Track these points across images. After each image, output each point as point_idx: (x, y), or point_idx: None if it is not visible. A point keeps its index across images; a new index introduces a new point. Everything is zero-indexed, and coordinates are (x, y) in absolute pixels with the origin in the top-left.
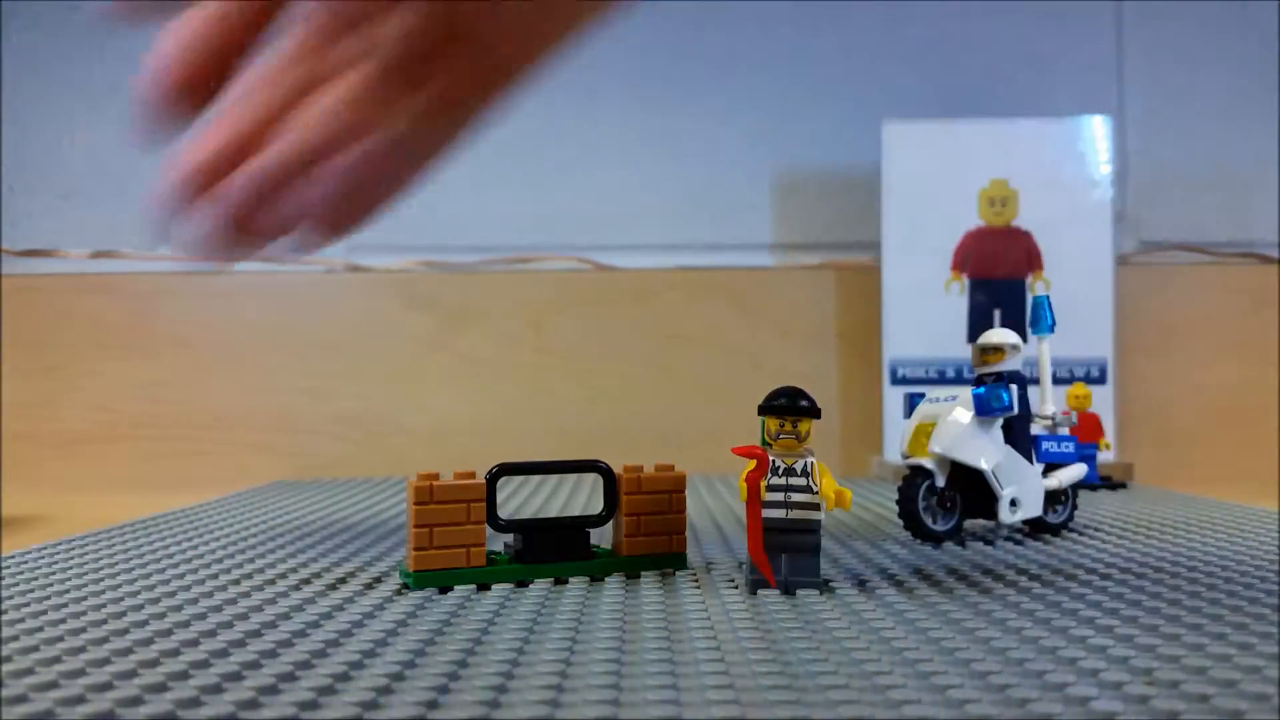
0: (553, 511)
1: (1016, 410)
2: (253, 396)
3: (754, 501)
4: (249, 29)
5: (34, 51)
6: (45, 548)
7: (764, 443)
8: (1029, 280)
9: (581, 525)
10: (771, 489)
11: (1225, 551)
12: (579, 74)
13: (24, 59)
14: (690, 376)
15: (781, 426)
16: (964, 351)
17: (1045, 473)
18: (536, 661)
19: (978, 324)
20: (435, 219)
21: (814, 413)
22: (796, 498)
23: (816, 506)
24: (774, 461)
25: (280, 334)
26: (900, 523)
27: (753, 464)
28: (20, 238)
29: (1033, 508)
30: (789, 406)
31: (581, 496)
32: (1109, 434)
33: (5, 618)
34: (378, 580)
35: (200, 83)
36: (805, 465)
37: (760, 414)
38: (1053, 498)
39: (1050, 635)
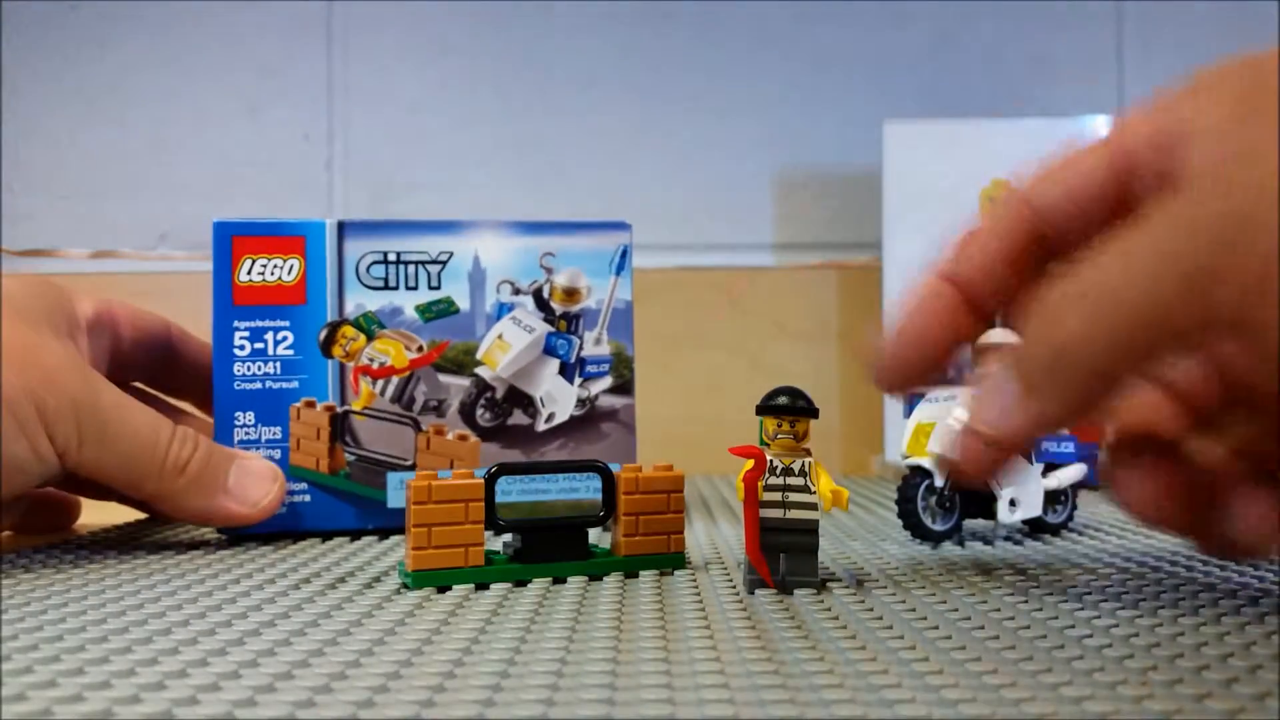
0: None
1: None
2: None
3: (751, 501)
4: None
5: (34, 51)
6: (45, 548)
7: (762, 443)
8: None
9: (580, 525)
10: (769, 489)
11: None
12: (579, 74)
13: (24, 59)
14: (690, 376)
15: (779, 426)
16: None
17: (1045, 473)
18: (533, 661)
19: None
20: None
21: (812, 412)
22: (794, 498)
23: (814, 506)
24: (772, 461)
25: None
26: (899, 523)
27: (750, 464)
28: (20, 238)
29: (1032, 508)
30: (787, 406)
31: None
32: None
33: (5, 617)
34: (377, 580)
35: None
36: (803, 465)
37: (758, 414)
38: (1052, 498)
39: (1048, 635)
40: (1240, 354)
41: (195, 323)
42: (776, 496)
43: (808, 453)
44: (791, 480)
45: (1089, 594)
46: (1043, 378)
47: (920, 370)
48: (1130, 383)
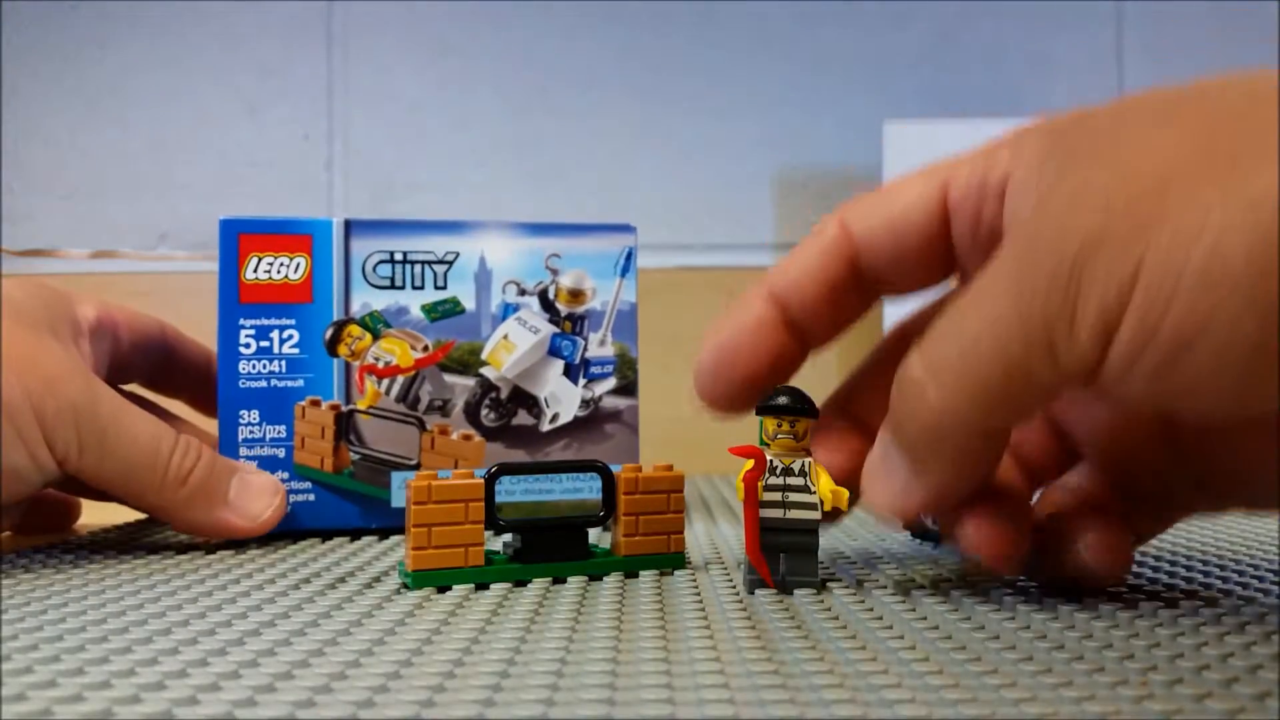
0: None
1: None
2: None
3: (751, 502)
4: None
5: (34, 51)
6: (45, 548)
7: (762, 443)
8: None
9: (580, 525)
10: (769, 489)
11: (1224, 551)
12: (579, 74)
13: (24, 59)
14: (690, 376)
15: (779, 426)
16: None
17: None
18: (533, 661)
19: None
20: None
21: (812, 413)
22: (794, 498)
23: (815, 507)
24: (772, 462)
25: None
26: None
27: (750, 464)
28: (20, 238)
29: None
30: (787, 406)
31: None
32: None
33: (5, 617)
34: (377, 580)
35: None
36: (803, 465)
37: (758, 414)
38: None
39: (1048, 635)
40: (1095, 402)
41: (196, 323)
42: (776, 497)
43: (808, 453)
44: (791, 480)
45: (1089, 594)
46: (925, 453)
47: (738, 390)
48: (1010, 434)
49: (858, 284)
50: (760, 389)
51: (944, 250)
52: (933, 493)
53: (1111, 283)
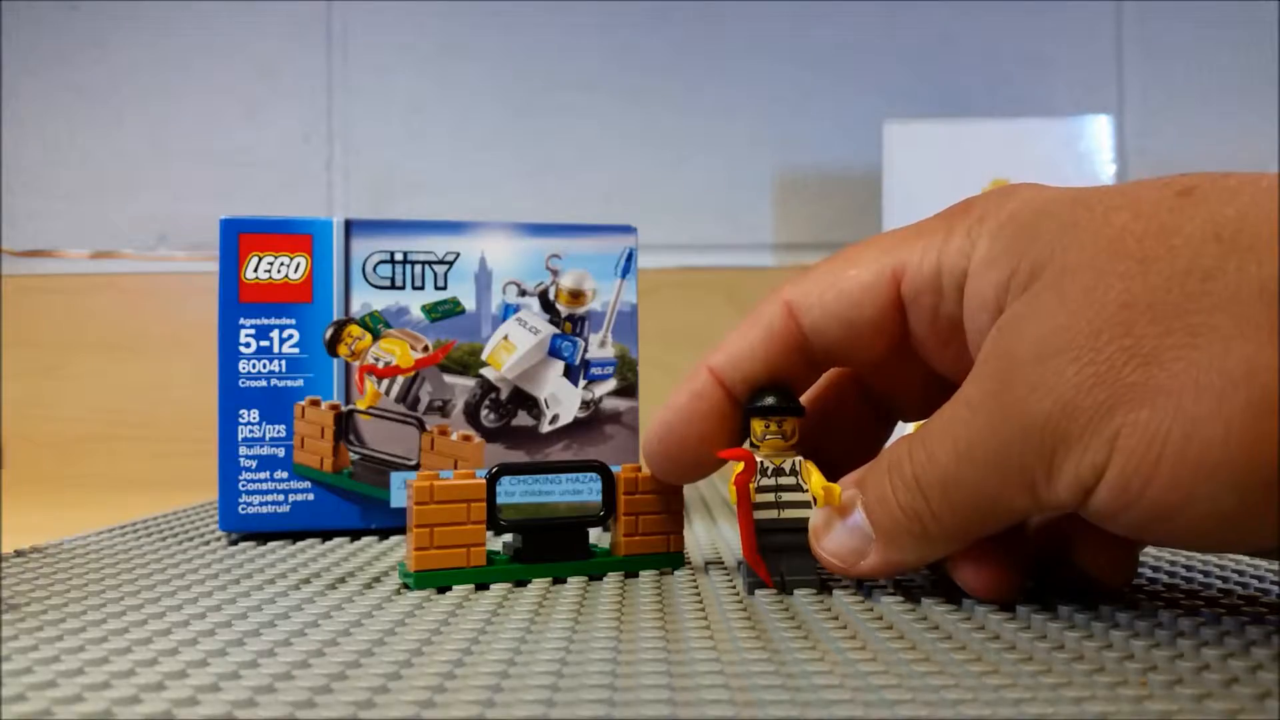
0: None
1: None
2: None
3: (744, 504)
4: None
5: (34, 51)
6: (45, 547)
7: (751, 445)
8: None
9: (580, 525)
10: (762, 490)
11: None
12: (579, 74)
13: (24, 59)
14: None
15: (767, 427)
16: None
17: None
18: (533, 661)
19: None
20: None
21: (798, 411)
22: (787, 497)
23: (809, 505)
24: (762, 463)
25: None
26: None
27: (740, 467)
28: (20, 238)
29: None
30: (774, 407)
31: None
32: None
33: (5, 617)
34: (377, 580)
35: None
36: (793, 465)
37: (746, 416)
38: None
39: (1047, 635)
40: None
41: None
42: (770, 498)
43: (797, 452)
44: (783, 480)
45: (1089, 594)
46: (903, 538)
47: (689, 467)
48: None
49: (805, 365)
50: (710, 462)
51: (898, 334)
52: (888, 566)
53: (1086, 455)
